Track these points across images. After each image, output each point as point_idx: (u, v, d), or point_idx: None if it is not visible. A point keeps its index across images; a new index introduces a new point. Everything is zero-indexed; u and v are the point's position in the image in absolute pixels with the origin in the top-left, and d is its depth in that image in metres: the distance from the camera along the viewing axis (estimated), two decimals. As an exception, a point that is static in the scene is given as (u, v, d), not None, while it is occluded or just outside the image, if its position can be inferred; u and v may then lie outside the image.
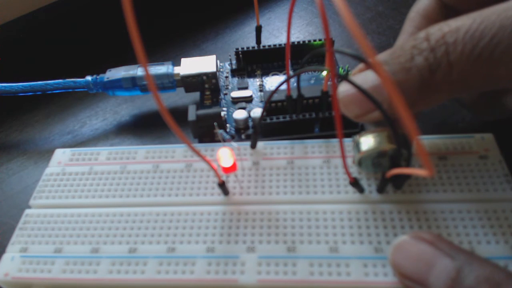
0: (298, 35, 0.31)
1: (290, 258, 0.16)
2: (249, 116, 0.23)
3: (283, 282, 0.16)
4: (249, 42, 0.31)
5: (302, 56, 0.26)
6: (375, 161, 0.18)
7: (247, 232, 0.17)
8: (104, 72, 0.26)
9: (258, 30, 0.26)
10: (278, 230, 0.17)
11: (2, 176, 0.25)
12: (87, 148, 0.22)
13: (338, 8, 0.10)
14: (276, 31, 0.32)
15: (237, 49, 0.26)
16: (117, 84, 0.25)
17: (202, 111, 0.22)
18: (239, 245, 0.17)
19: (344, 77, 0.15)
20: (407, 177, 0.17)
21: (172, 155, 0.21)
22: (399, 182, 0.18)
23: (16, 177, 0.25)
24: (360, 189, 0.18)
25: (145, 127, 0.26)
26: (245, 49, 0.26)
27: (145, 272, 0.17)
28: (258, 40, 0.27)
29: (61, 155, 0.21)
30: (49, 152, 0.22)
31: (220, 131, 0.18)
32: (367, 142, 0.17)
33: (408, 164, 0.16)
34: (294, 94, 0.21)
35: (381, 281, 0.16)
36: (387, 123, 0.15)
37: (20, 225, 0.19)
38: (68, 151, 0.21)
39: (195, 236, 0.18)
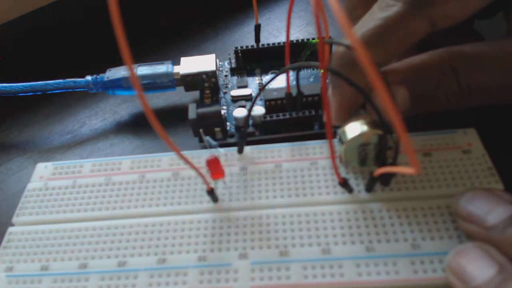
0: (298, 35, 0.31)
1: (283, 262, 0.16)
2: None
3: (277, 287, 0.16)
4: (249, 42, 0.31)
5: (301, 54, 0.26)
6: (360, 150, 0.18)
7: (239, 239, 0.17)
8: (104, 72, 0.26)
9: (257, 28, 0.26)
10: (270, 234, 0.17)
11: (2, 176, 0.25)
12: (69, 161, 0.21)
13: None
14: (275, 31, 0.32)
15: (236, 48, 0.26)
16: (117, 84, 0.25)
17: (202, 109, 0.22)
18: (231, 252, 0.17)
19: (333, 71, 0.15)
20: (393, 173, 0.17)
21: (158, 164, 0.20)
22: (387, 179, 0.18)
23: (16, 177, 0.24)
24: (349, 189, 0.18)
25: (145, 126, 0.26)
26: (244, 48, 0.26)
27: (136, 286, 0.16)
28: (257, 39, 0.27)
29: (43, 169, 0.21)
30: (49, 152, 0.21)
31: (206, 138, 0.18)
32: (351, 130, 0.17)
33: (394, 162, 0.16)
34: (294, 92, 0.21)
35: (374, 280, 0.16)
36: (374, 110, 0.15)
37: (3, 243, 0.18)
38: (49, 165, 0.21)
39: (186, 246, 0.17)
